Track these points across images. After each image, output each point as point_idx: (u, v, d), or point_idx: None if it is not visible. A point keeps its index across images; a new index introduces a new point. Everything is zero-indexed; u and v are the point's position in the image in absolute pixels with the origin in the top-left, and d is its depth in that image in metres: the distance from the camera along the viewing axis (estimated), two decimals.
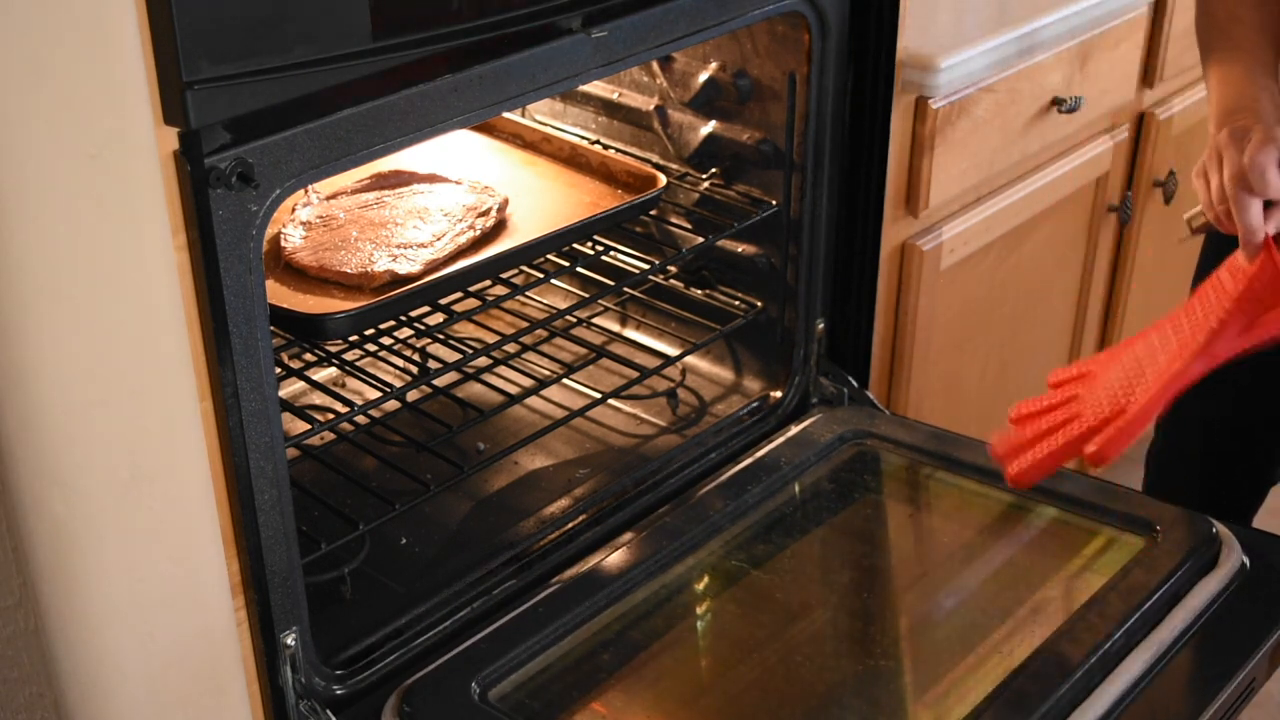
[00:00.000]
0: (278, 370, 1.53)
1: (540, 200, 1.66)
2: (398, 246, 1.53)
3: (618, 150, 1.83)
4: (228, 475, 1.17)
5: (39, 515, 1.06)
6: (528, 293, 1.78)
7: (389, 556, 1.53)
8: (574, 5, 1.29)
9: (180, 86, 1.01)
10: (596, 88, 1.88)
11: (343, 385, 1.75)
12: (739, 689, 1.28)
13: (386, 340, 1.74)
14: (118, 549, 1.09)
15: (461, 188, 1.64)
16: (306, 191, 1.64)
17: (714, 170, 1.77)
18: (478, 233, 1.56)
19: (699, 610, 1.41)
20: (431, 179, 1.67)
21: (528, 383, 1.72)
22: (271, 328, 1.24)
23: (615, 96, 1.87)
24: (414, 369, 1.75)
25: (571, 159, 1.75)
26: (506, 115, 1.81)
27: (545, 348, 1.76)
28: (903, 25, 1.64)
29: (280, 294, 1.47)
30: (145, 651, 1.14)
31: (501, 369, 1.73)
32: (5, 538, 1.10)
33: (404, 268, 1.48)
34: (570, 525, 1.55)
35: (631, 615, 1.37)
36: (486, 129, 1.81)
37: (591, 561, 1.43)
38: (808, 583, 1.44)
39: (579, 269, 1.81)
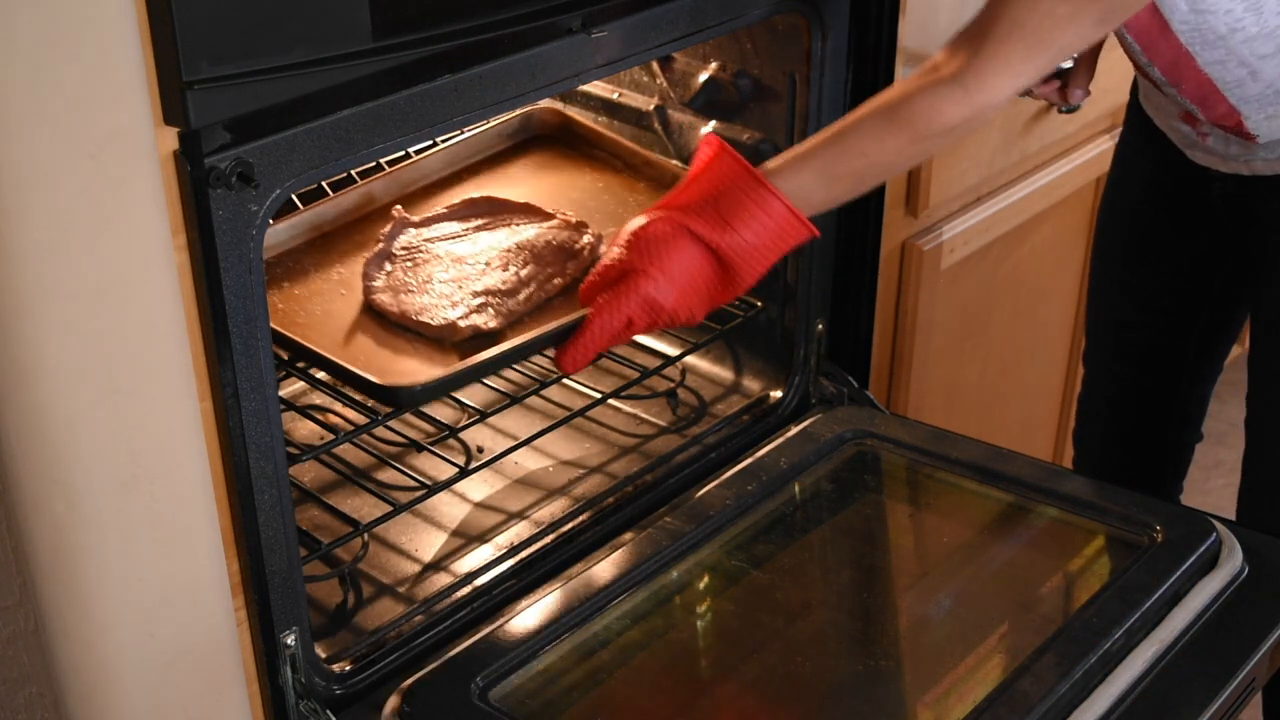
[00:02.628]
0: (278, 370, 1.53)
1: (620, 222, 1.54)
2: (484, 294, 1.43)
3: None
4: (228, 475, 1.17)
5: (39, 515, 1.06)
6: None
7: (389, 556, 1.53)
8: (574, 5, 1.29)
9: (180, 86, 1.01)
10: (596, 88, 1.88)
11: (343, 385, 1.75)
12: (739, 689, 1.28)
13: None
14: (118, 549, 1.09)
15: (554, 223, 1.55)
16: (395, 214, 1.56)
17: None
18: (566, 280, 1.46)
19: (699, 610, 1.41)
20: (525, 211, 1.58)
21: (528, 383, 1.72)
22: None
23: (615, 96, 1.87)
24: None
25: (635, 166, 1.68)
26: (608, 134, 1.74)
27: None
28: (903, 25, 1.64)
29: (361, 346, 1.39)
30: (145, 651, 1.14)
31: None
32: (6, 538, 1.10)
33: (487, 321, 1.39)
34: (570, 525, 1.55)
35: (631, 615, 1.37)
36: (587, 150, 1.73)
37: (591, 562, 1.43)
38: (808, 583, 1.44)
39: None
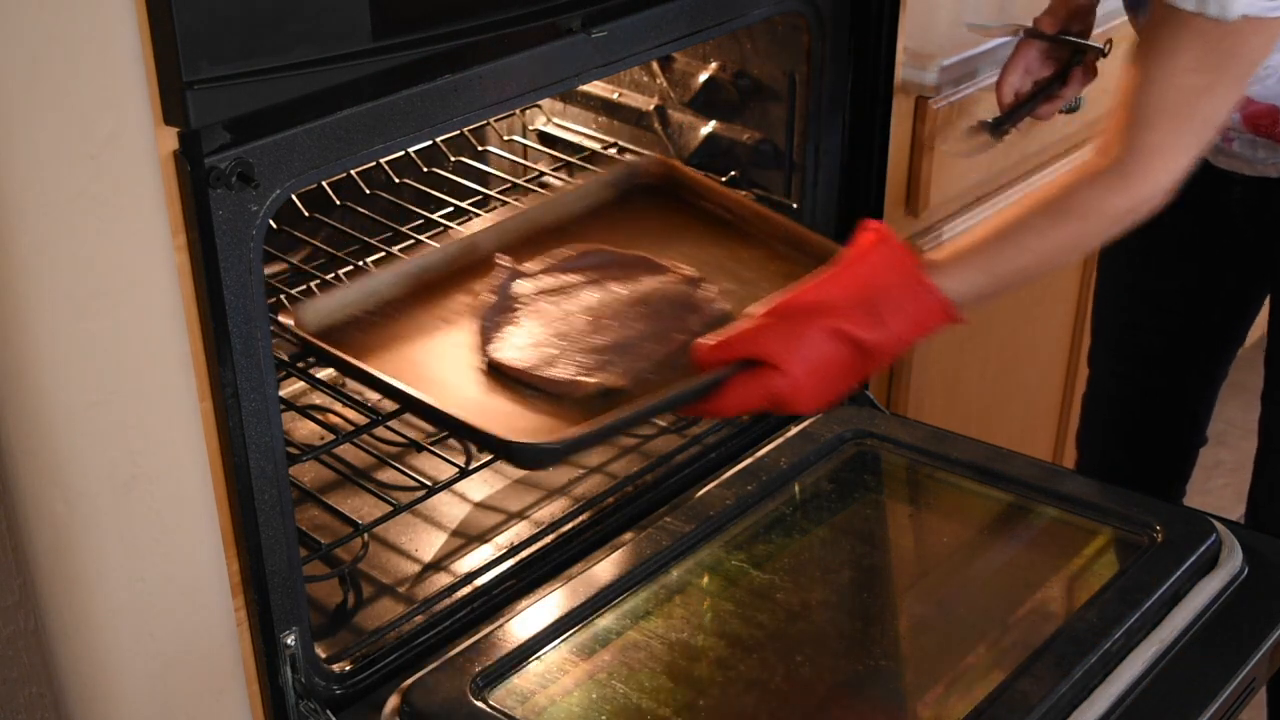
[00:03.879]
0: (278, 370, 1.53)
1: (758, 292, 1.45)
2: (607, 349, 1.38)
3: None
4: (228, 475, 1.17)
5: (39, 515, 1.06)
6: None
7: (389, 556, 1.53)
8: (574, 5, 1.29)
9: (180, 86, 1.01)
10: (596, 88, 1.88)
11: (343, 385, 1.75)
12: (739, 689, 1.28)
13: None
14: (118, 549, 1.09)
15: (670, 277, 1.49)
16: (500, 262, 1.49)
17: (733, 173, 1.77)
18: (687, 337, 1.39)
19: (699, 610, 1.41)
20: (639, 264, 1.52)
21: None
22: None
23: (615, 96, 1.87)
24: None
25: (790, 242, 1.56)
26: (716, 186, 1.64)
27: None
28: (903, 25, 1.64)
29: (476, 400, 1.33)
30: (145, 651, 1.14)
31: None
32: (5, 538, 1.10)
33: (614, 379, 1.33)
34: (570, 525, 1.55)
35: (631, 615, 1.37)
36: (692, 201, 1.64)
37: (591, 562, 1.43)
38: (808, 583, 1.44)
39: None
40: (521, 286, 1.46)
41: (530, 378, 1.34)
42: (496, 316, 1.42)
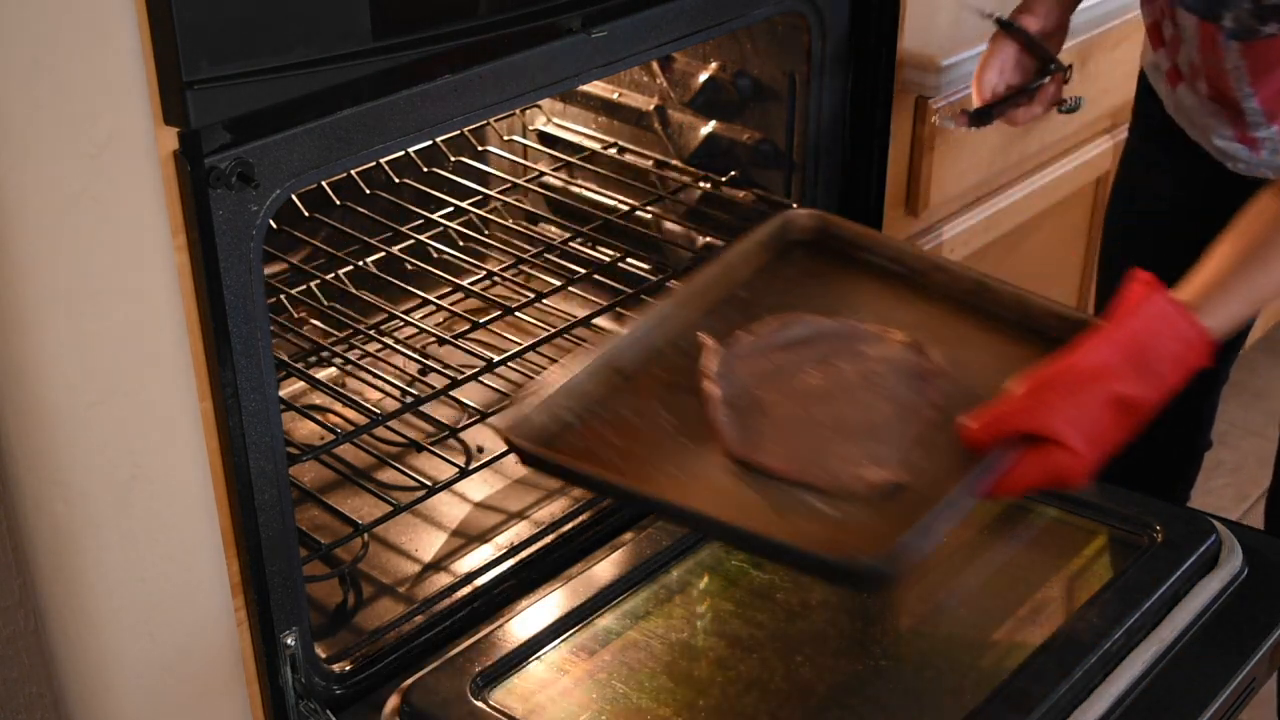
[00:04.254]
0: (278, 370, 1.53)
1: (962, 353, 1.39)
2: (861, 437, 1.28)
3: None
4: (228, 475, 1.17)
5: (39, 515, 1.06)
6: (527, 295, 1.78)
7: (389, 556, 1.53)
8: (574, 5, 1.29)
9: (180, 86, 1.01)
10: (596, 88, 1.88)
11: (343, 385, 1.75)
12: (739, 689, 1.28)
13: (388, 340, 1.74)
14: (118, 549, 1.09)
15: (886, 346, 1.39)
16: (704, 342, 1.38)
17: (733, 173, 1.77)
18: (936, 414, 1.30)
19: (699, 610, 1.41)
20: (848, 332, 1.41)
21: (528, 383, 1.72)
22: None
23: (615, 96, 1.87)
24: (414, 370, 1.76)
25: (975, 294, 1.46)
26: (880, 237, 1.56)
27: (545, 348, 1.76)
28: (903, 25, 1.64)
29: (753, 510, 1.22)
30: (145, 651, 1.14)
31: (501, 368, 1.73)
32: (5, 538, 1.10)
33: (893, 472, 1.24)
34: (570, 525, 1.55)
35: (631, 615, 1.37)
36: (852, 254, 1.53)
37: (591, 562, 1.43)
38: (808, 582, 1.44)
39: (580, 274, 1.81)
40: (740, 369, 1.37)
41: (803, 478, 1.24)
42: (730, 409, 1.31)
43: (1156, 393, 1.22)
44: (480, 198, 1.92)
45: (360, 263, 1.76)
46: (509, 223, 1.93)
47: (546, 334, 1.65)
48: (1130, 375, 1.21)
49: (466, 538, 1.56)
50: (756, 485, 1.24)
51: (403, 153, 1.79)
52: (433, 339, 1.65)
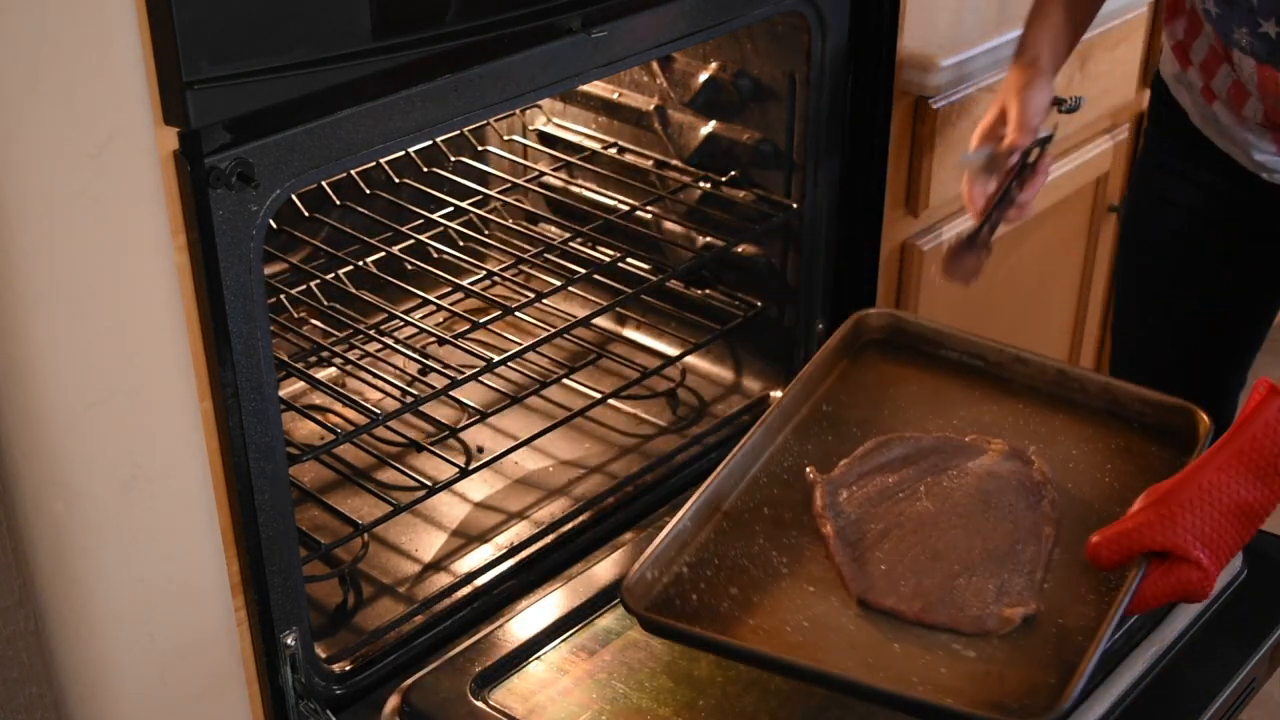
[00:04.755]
0: (278, 370, 1.53)
1: (1058, 449, 1.39)
2: (987, 568, 1.27)
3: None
4: (227, 475, 1.17)
5: (39, 515, 1.06)
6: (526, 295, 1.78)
7: (389, 556, 1.53)
8: (574, 5, 1.29)
9: (180, 86, 1.01)
10: (596, 88, 1.88)
11: (343, 385, 1.75)
12: (739, 689, 1.27)
13: (388, 340, 1.74)
14: (118, 549, 1.09)
15: (988, 459, 1.38)
16: (812, 477, 1.38)
17: (732, 173, 1.77)
18: (1055, 532, 1.30)
19: None
20: (947, 447, 1.40)
21: (528, 383, 1.72)
22: None
23: (615, 96, 1.87)
24: (414, 369, 1.76)
25: (1060, 384, 1.47)
26: (954, 331, 1.53)
27: (545, 348, 1.76)
28: (903, 25, 1.64)
29: (886, 657, 1.21)
30: (145, 651, 1.14)
31: (501, 368, 1.73)
32: (5, 538, 1.10)
33: (1029, 605, 1.23)
34: (570, 525, 1.55)
35: (630, 615, 1.37)
36: (929, 350, 1.52)
37: (591, 562, 1.43)
38: None
39: (580, 274, 1.81)
40: (847, 501, 1.35)
41: (940, 622, 1.23)
42: (848, 548, 1.30)
43: (1277, 496, 1.22)
44: (480, 198, 1.92)
45: (360, 263, 1.76)
46: (509, 223, 1.93)
47: (546, 334, 1.65)
48: (1252, 482, 1.21)
49: (466, 538, 1.56)
50: (889, 631, 1.24)
51: (403, 153, 1.79)
52: (433, 339, 1.65)
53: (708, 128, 1.78)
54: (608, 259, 1.82)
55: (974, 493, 1.35)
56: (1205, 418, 1.39)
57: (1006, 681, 1.18)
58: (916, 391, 1.47)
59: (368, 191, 1.79)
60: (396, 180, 1.80)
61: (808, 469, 1.38)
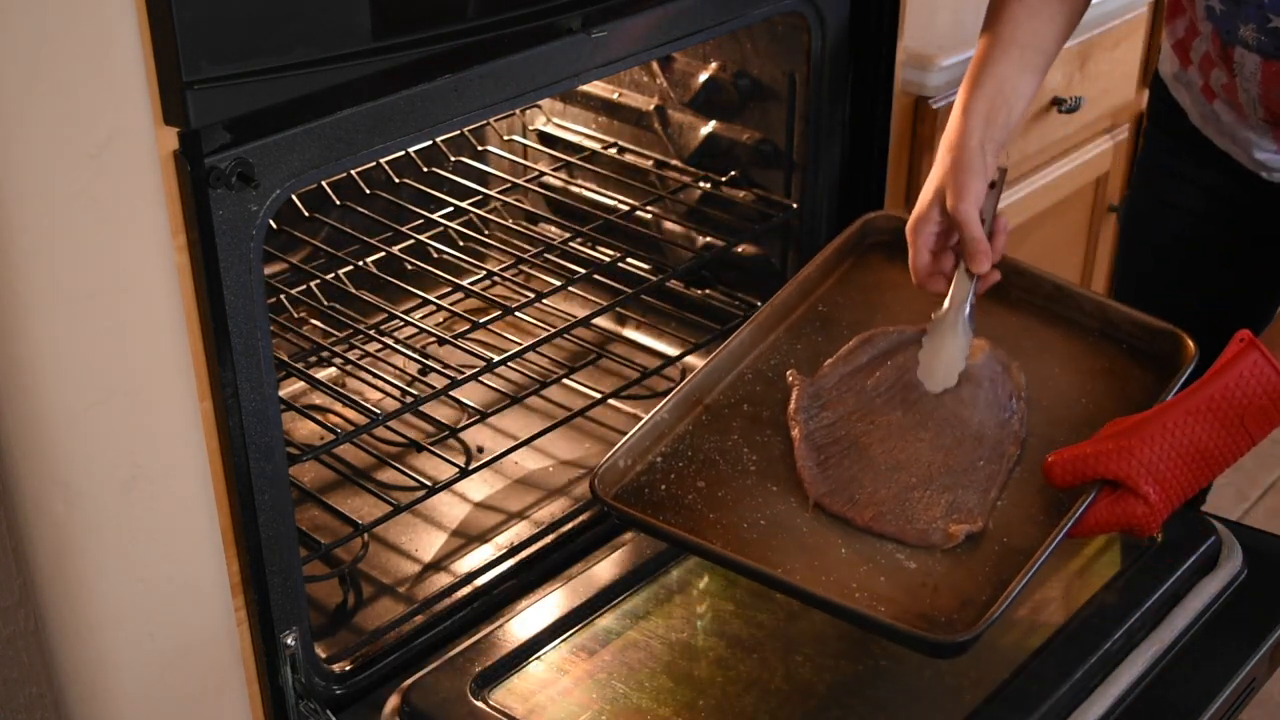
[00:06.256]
0: (278, 370, 1.53)
1: (1042, 364, 1.38)
2: (949, 483, 1.28)
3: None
4: (227, 475, 1.17)
5: (39, 515, 1.06)
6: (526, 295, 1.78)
7: (389, 556, 1.53)
8: (574, 5, 1.29)
9: (180, 86, 1.01)
10: (596, 88, 1.88)
11: (343, 385, 1.75)
12: (739, 689, 1.28)
13: (388, 340, 1.74)
14: (118, 549, 1.09)
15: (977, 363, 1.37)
16: (792, 379, 1.38)
17: (732, 173, 1.77)
18: (1018, 447, 1.31)
19: (699, 610, 1.40)
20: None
21: (527, 383, 1.72)
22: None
23: (615, 96, 1.87)
24: (414, 369, 1.76)
25: (1055, 300, 1.47)
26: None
27: (545, 348, 1.76)
28: (903, 25, 1.64)
29: (838, 566, 1.22)
30: (145, 651, 1.14)
31: (501, 368, 1.73)
32: (5, 538, 1.10)
33: (975, 522, 1.25)
34: (570, 525, 1.55)
35: (631, 615, 1.37)
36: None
37: (591, 562, 1.43)
38: None
39: (580, 274, 1.81)
40: (825, 403, 1.35)
41: (889, 533, 1.25)
42: (816, 452, 1.32)
43: (1239, 448, 1.24)
44: (480, 198, 1.92)
45: (360, 263, 1.76)
46: (509, 223, 1.93)
47: (546, 334, 1.65)
48: (1217, 430, 1.23)
49: (466, 538, 1.56)
50: (840, 536, 1.26)
51: (403, 153, 1.79)
52: (433, 339, 1.65)
53: (708, 128, 1.78)
54: (608, 259, 1.82)
55: (946, 400, 1.35)
56: (1191, 344, 1.38)
57: (940, 595, 1.20)
58: (912, 297, 1.45)
59: (368, 191, 1.79)
60: (396, 180, 1.80)
61: (788, 372, 1.39)
